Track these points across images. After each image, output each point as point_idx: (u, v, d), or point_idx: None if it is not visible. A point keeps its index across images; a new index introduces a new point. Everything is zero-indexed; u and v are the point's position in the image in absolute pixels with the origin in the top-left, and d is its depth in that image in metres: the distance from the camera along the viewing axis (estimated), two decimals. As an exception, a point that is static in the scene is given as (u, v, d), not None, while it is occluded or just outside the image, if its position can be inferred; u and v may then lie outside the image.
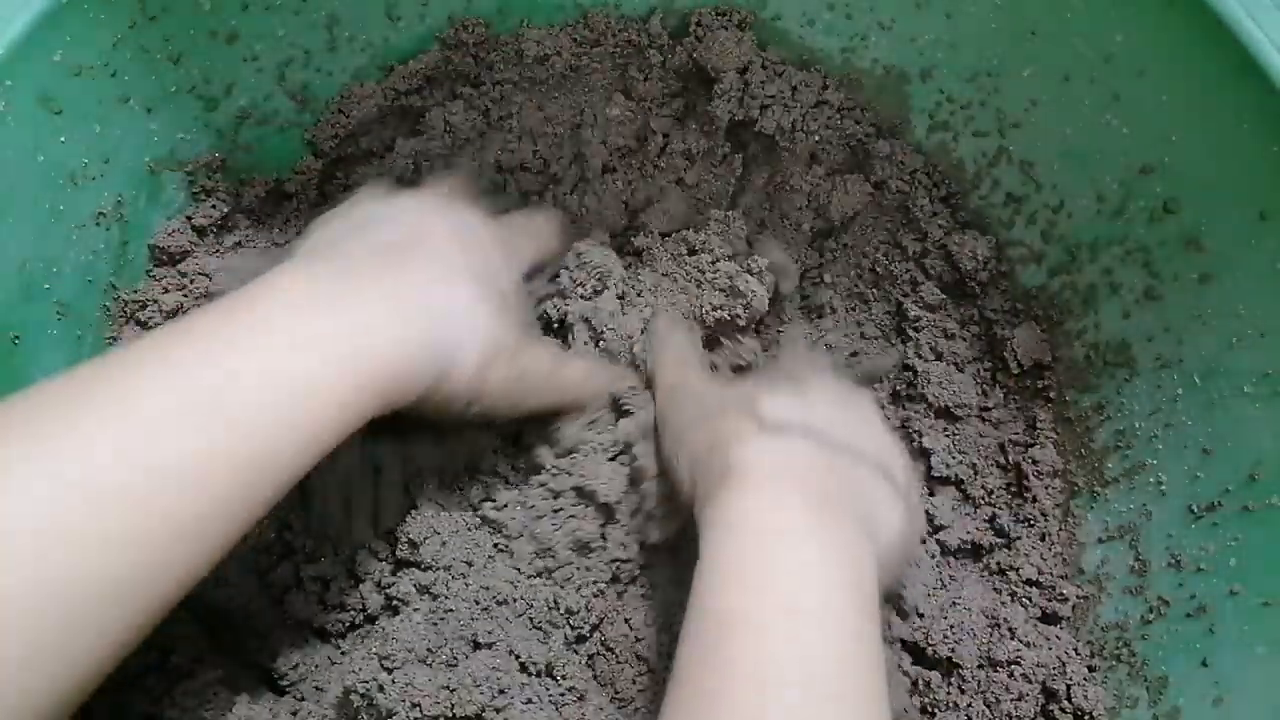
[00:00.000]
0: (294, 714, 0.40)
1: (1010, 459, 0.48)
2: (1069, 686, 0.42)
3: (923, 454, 0.47)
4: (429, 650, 0.38)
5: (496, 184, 0.49)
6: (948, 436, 0.47)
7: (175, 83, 0.42)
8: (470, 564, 0.41)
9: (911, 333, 0.49)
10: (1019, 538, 0.46)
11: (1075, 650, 0.43)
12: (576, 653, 0.41)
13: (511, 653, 0.39)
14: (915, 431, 0.48)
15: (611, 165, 0.50)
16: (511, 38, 0.49)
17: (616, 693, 0.41)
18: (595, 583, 0.42)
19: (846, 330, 0.50)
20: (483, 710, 0.36)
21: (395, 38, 0.48)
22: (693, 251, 0.47)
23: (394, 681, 0.37)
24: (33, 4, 0.35)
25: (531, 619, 0.40)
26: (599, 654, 0.41)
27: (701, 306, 0.45)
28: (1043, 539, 0.46)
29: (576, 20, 0.50)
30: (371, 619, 0.42)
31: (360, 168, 0.50)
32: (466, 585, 0.40)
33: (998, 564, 0.46)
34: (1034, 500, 0.47)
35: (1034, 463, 0.48)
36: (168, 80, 0.41)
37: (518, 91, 0.50)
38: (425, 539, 0.40)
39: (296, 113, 0.47)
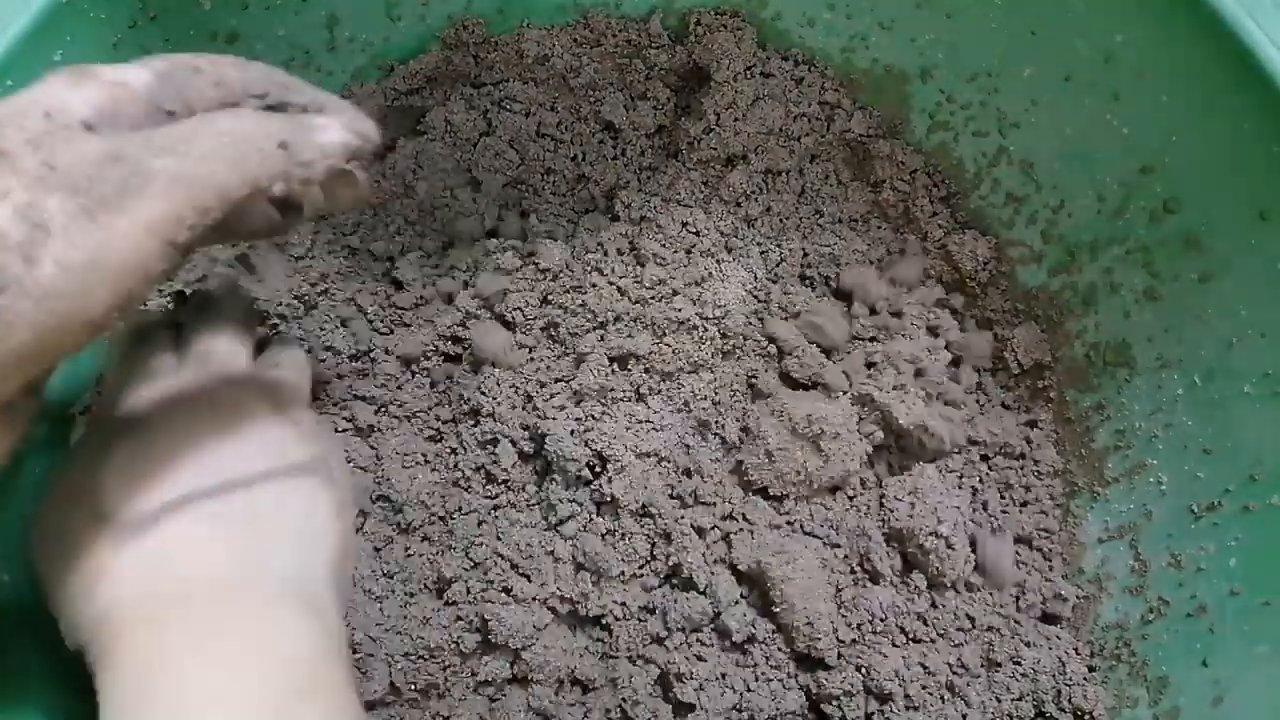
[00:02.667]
0: None
1: (1010, 458, 0.48)
2: (1069, 686, 0.42)
3: (921, 448, 0.47)
4: None
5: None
6: (949, 435, 0.47)
7: (175, 83, 0.42)
8: None
9: (910, 330, 0.49)
10: (1019, 537, 0.46)
11: (1075, 650, 0.43)
12: None
13: None
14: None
15: (613, 173, 0.50)
16: (511, 38, 0.49)
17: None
18: None
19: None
20: None
21: (395, 38, 0.48)
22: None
23: None
24: (33, 4, 0.35)
25: None
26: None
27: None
28: (1043, 538, 0.46)
29: (576, 20, 0.50)
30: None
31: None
32: None
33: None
34: (1034, 500, 0.47)
35: (1034, 463, 0.48)
36: (168, 80, 0.41)
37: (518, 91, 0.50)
38: None
39: (296, 113, 0.47)
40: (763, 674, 0.43)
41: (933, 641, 0.43)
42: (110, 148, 0.23)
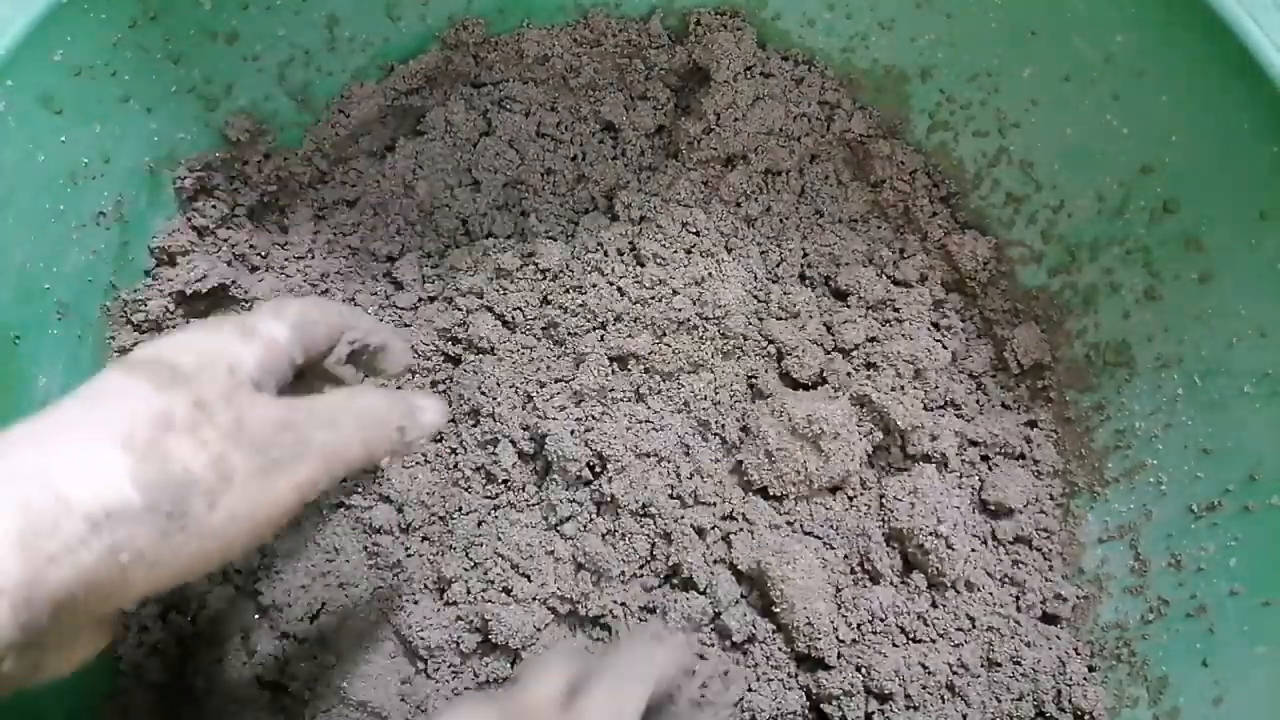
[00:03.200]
0: None
1: (1010, 458, 0.48)
2: (1069, 686, 0.42)
3: (927, 459, 0.47)
4: None
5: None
6: (949, 434, 0.47)
7: (175, 83, 0.42)
8: None
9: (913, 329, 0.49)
10: (1019, 537, 0.46)
11: (1075, 650, 0.43)
12: None
13: None
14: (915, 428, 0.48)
15: (613, 173, 0.50)
16: (511, 38, 0.49)
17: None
18: None
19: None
20: None
21: (395, 38, 0.48)
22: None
23: None
24: (33, 4, 0.35)
25: None
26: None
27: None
28: (1043, 538, 0.46)
29: (576, 20, 0.50)
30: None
31: (360, 167, 0.50)
32: None
33: (997, 563, 0.46)
34: (1035, 499, 0.47)
35: (1034, 463, 0.48)
36: (168, 80, 0.41)
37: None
38: None
39: (297, 113, 0.47)
40: (763, 674, 0.43)
41: (933, 641, 0.43)
42: (284, 415, 0.27)
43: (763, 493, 0.45)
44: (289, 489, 0.27)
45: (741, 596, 0.43)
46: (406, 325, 0.48)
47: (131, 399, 0.25)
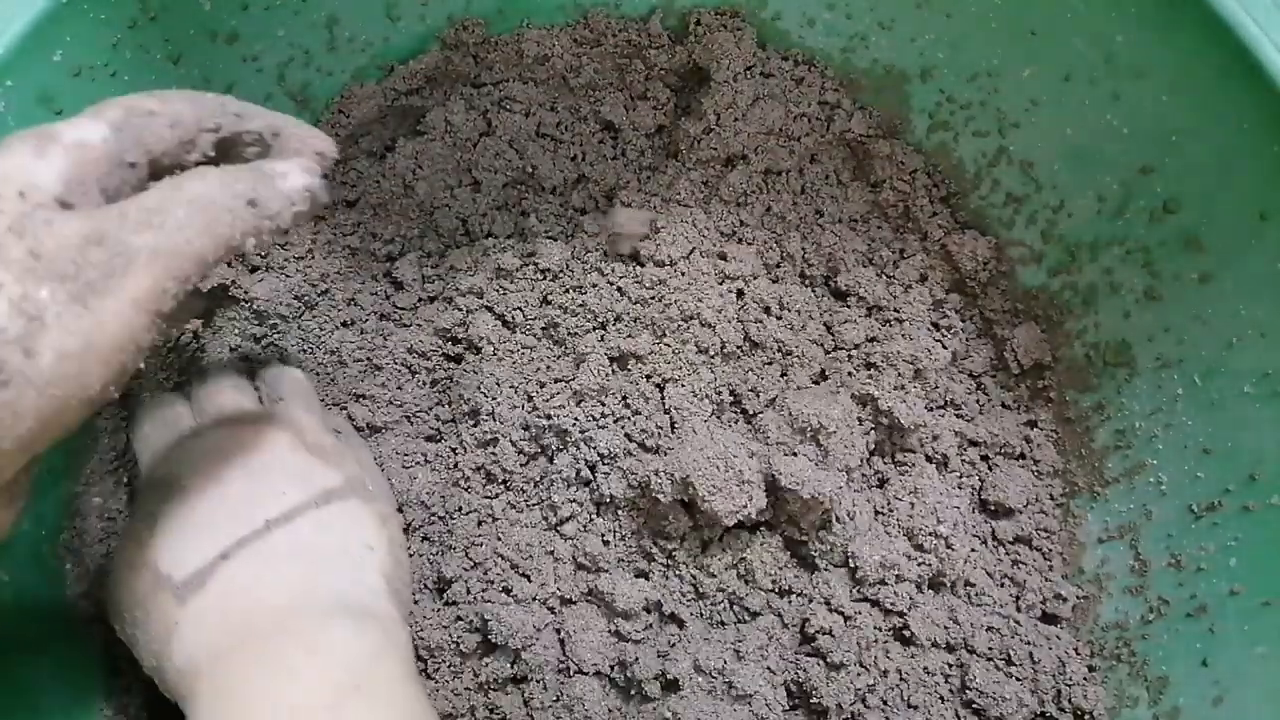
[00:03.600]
0: None
1: (1010, 458, 0.48)
2: (1069, 686, 0.42)
3: (929, 461, 0.47)
4: None
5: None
6: (948, 434, 0.47)
7: (175, 83, 0.42)
8: None
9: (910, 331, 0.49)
10: (1019, 537, 0.46)
11: (1075, 650, 0.43)
12: None
13: None
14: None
15: (613, 173, 0.50)
16: (511, 38, 0.49)
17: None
18: None
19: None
20: None
21: (395, 38, 0.48)
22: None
23: None
24: (33, 4, 0.35)
25: None
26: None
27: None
28: (1043, 538, 0.46)
29: (576, 20, 0.50)
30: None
31: (360, 168, 0.50)
32: None
33: (997, 563, 0.46)
34: (1035, 499, 0.47)
35: (1034, 463, 0.48)
36: (168, 80, 0.41)
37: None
38: None
39: (297, 113, 0.47)
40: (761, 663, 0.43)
41: (933, 641, 0.43)
42: (89, 229, 0.24)
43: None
44: (125, 307, 0.24)
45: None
46: (406, 325, 0.48)
47: None
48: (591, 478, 0.44)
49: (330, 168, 0.30)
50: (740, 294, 0.46)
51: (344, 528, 0.34)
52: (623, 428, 0.44)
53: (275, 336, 0.46)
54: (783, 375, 0.46)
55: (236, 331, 0.46)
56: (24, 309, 0.23)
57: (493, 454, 0.45)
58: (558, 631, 0.43)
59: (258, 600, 0.31)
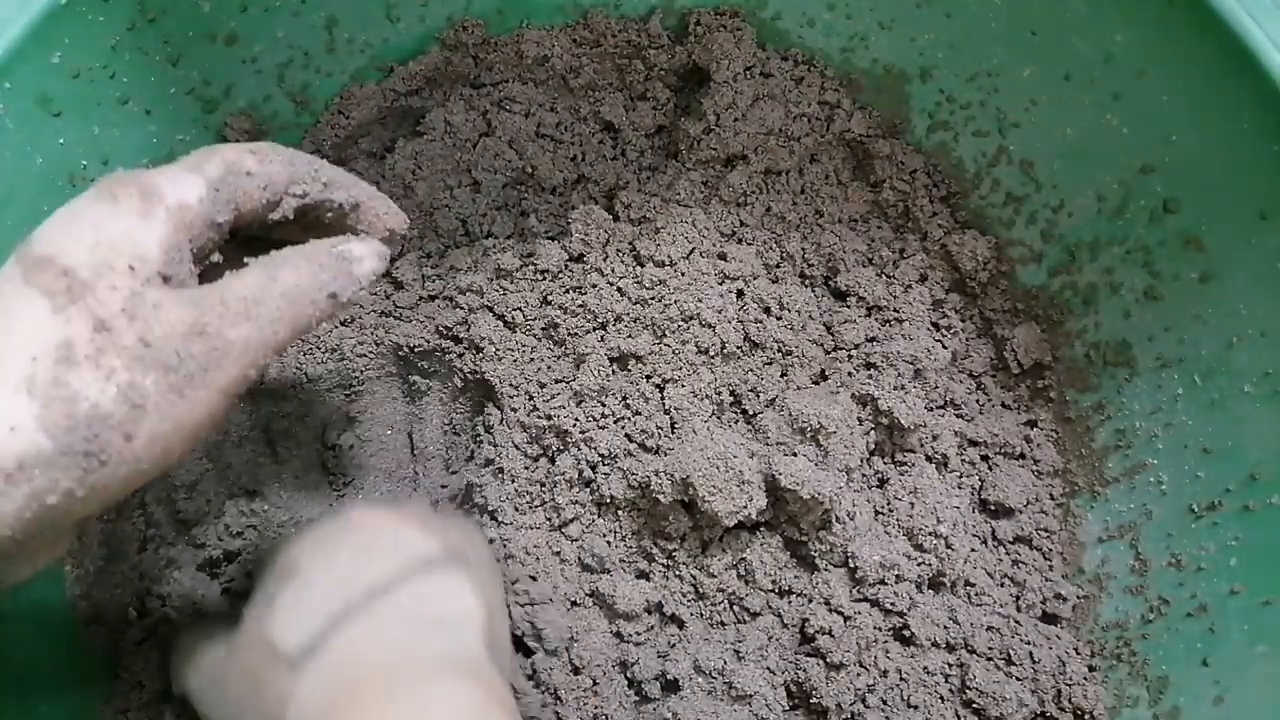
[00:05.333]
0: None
1: (1010, 458, 0.48)
2: (1069, 686, 0.42)
3: (929, 460, 0.47)
4: None
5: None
6: (948, 434, 0.47)
7: (174, 84, 0.42)
8: None
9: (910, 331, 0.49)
10: (1019, 537, 0.46)
11: (1075, 650, 0.43)
12: None
13: None
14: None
15: (613, 173, 0.50)
16: (511, 38, 0.49)
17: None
18: None
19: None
20: None
21: (395, 38, 0.48)
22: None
23: None
24: (32, 5, 0.35)
25: None
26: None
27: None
28: (1043, 538, 0.46)
29: (576, 20, 0.50)
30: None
31: (360, 168, 0.50)
32: None
33: (997, 563, 0.46)
34: (1035, 498, 0.47)
35: (1034, 463, 0.48)
36: (167, 82, 0.41)
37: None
38: None
39: (296, 114, 0.47)
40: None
41: (933, 641, 0.43)
42: (193, 319, 0.25)
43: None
44: (214, 395, 0.26)
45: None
46: (407, 323, 0.48)
47: (29, 326, 0.24)
48: (593, 477, 0.44)
49: (400, 245, 0.31)
50: (740, 294, 0.46)
51: (443, 594, 0.35)
52: (623, 428, 0.44)
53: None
54: (783, 375, 0.46)
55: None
56: (130, 396, 0.24)
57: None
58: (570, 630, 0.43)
59: (366, 664, 0.32)
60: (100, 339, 0.24)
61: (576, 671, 0.43)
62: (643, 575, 0.44)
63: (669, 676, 0.42)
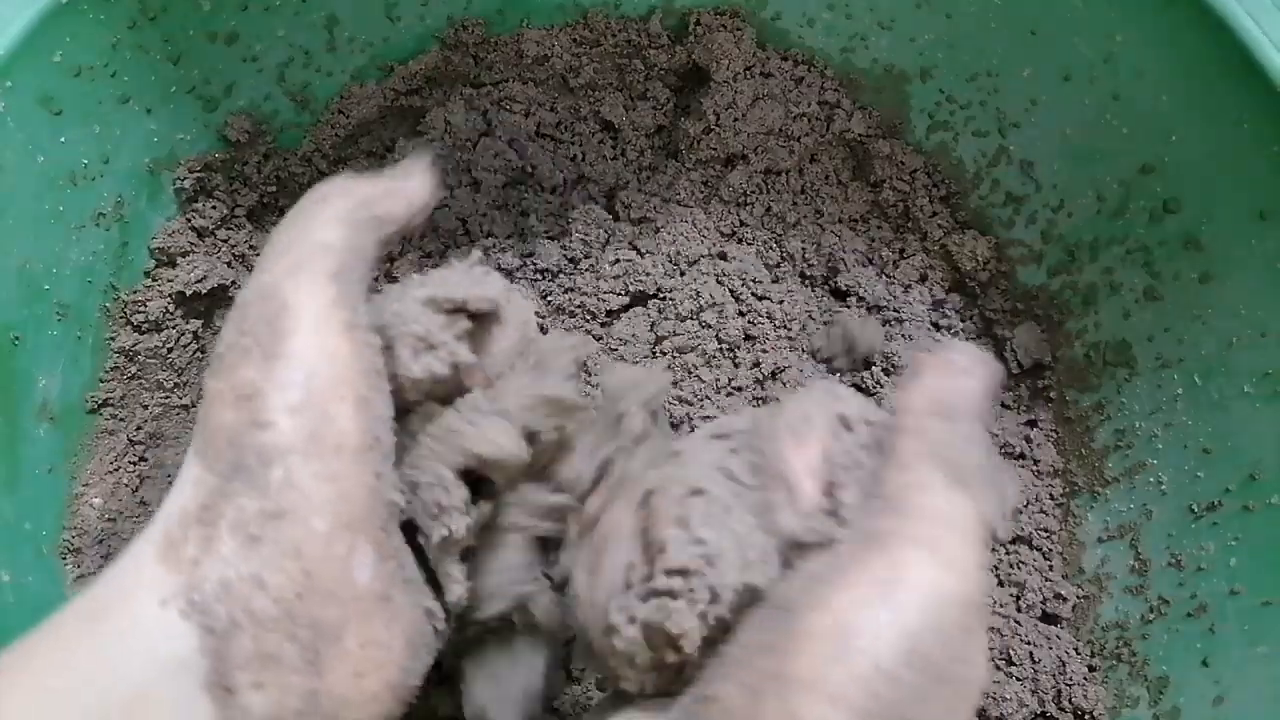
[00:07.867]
0: None
1: (1010, 458, 0.48)
2: (1069, 686, 0.42)
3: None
4: None
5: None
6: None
7: (175, 83, 0.42)
8: None
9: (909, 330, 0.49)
10: (1019, 537, 0.46)
11: (1075, 650, 0.43)
12: None
13: None
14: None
15: (613, 173, 0.50)
16: (511, 38, 0.49)
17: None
18: None
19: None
20: None
21: (395, 38, 0.48)
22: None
23: None
24: (33, 4, 0.35)
25: None
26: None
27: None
28: (1043, 538, 0.46)
29: (576, 20, 0.50)
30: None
31: (360, 168, 0.50)
32: None
33: (997, 564, 0.46)
34: (1034, 500, 0.47)
35: (1034, 463, 0.48)
36: (167, 81, 0.41)
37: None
38: None
39: (296, 113, 0.47)
40: None
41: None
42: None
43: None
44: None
45: None
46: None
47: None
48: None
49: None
50: (740, 294, 0.46)
51: None
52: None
53: None
54: (782, 375, 0.46)
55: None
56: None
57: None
58: None
59: None
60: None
61: None
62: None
63: None
